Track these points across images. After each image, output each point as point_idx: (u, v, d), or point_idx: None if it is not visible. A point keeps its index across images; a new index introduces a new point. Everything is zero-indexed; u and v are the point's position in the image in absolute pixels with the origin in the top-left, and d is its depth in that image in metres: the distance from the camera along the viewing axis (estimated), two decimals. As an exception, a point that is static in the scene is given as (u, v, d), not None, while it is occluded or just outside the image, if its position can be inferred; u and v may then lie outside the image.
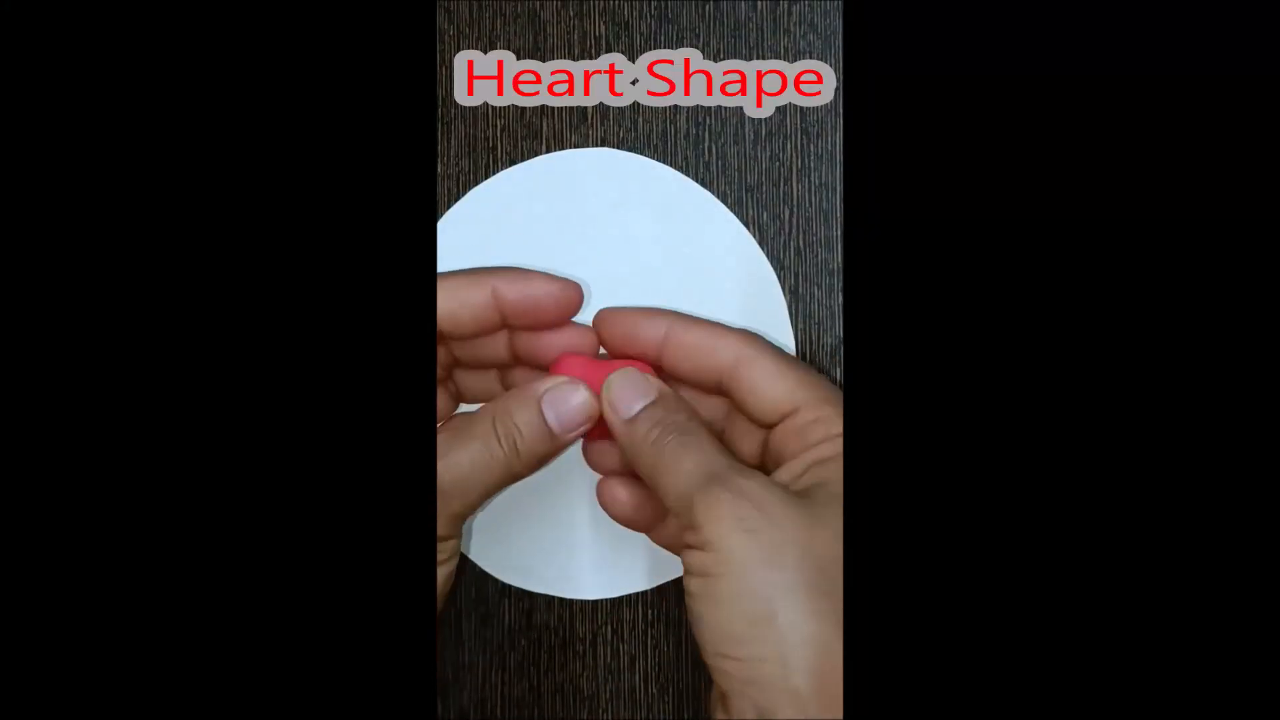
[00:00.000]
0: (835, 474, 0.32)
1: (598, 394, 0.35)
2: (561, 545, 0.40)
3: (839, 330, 0.39)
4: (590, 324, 0.37)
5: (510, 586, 0.40)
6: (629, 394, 0.34)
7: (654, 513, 0.36)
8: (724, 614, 0.29)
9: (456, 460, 0.33)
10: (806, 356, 0.40)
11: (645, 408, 0.34)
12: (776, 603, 0.29)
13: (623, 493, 0.36)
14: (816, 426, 0.33)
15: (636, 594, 0.40)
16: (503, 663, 0.40)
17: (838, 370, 0.39)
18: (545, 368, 0.36)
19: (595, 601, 0.40)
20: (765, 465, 0.35)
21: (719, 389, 0.35)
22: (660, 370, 0.36)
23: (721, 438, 0.36)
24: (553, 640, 0.40)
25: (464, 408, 0.39)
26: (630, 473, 0.36)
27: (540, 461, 0.34)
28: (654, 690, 0.40)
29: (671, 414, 0.34)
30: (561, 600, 0.40)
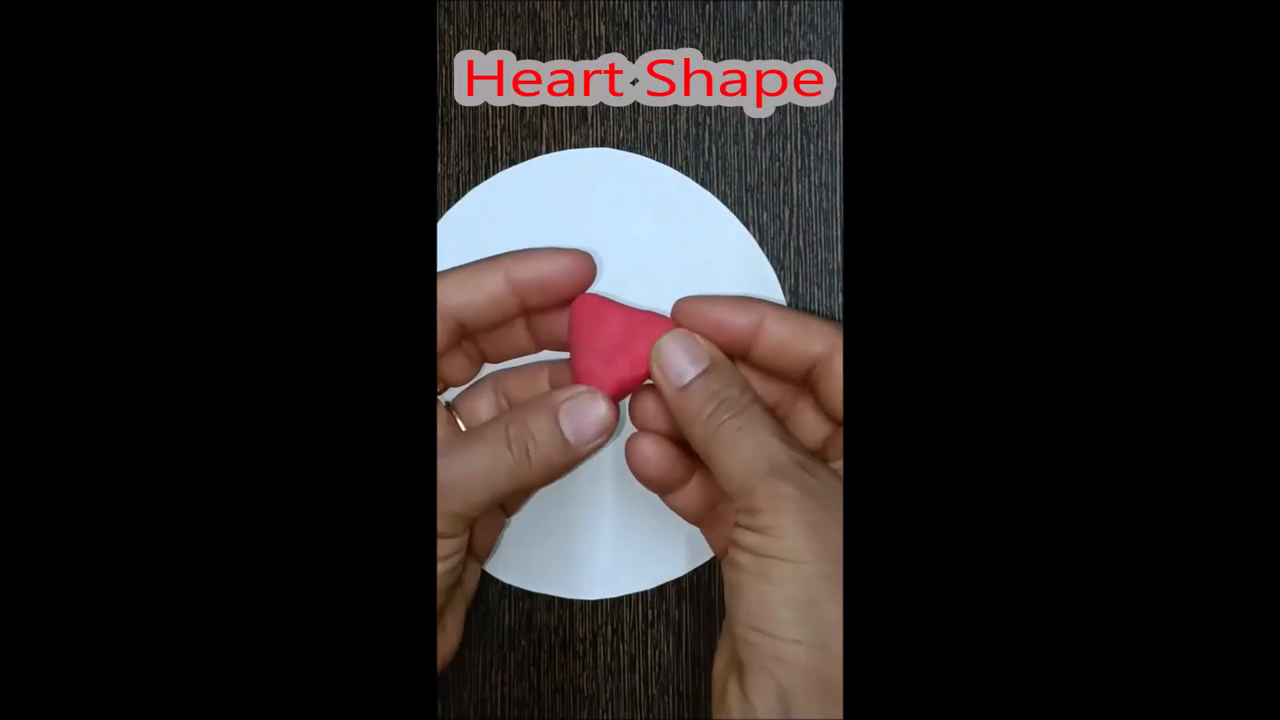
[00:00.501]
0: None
1: (619, 346, 0.34)
2: (562, 545, 0.40)
3: (839, 330, 0.39)
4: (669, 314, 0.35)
5: (510, 586, 0.40)
6: (681, 359, 0.34)
7: (681, 476, 0.36)
8: (770, 592, 0.30)
9: (463, 460, 0.33)
10: (806, 356, 0.40)
11: (699, 377, 0.33)
12: (824, 593, 0.29)
13: (653, 451, 0.36)
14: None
15: (636, 594, 0.40)
16: (503, 663, 0.40)
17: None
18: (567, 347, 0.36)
19: (595, 601, 0.40)
20: (827, 455, 0.35)
21: (805, 380, 0.34)
22: (747, 362, 0.35)
23: (782, 422, 0.36)
24: (553, 640, 0.40)
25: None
26: (662, 434, 0.35)
27: (555, 471, 0.34)
28: (654, 690, 0.40)
29: (727, 386, 0.33)
30: (561, 600, 0.40)
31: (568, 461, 0.34)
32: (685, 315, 0.35)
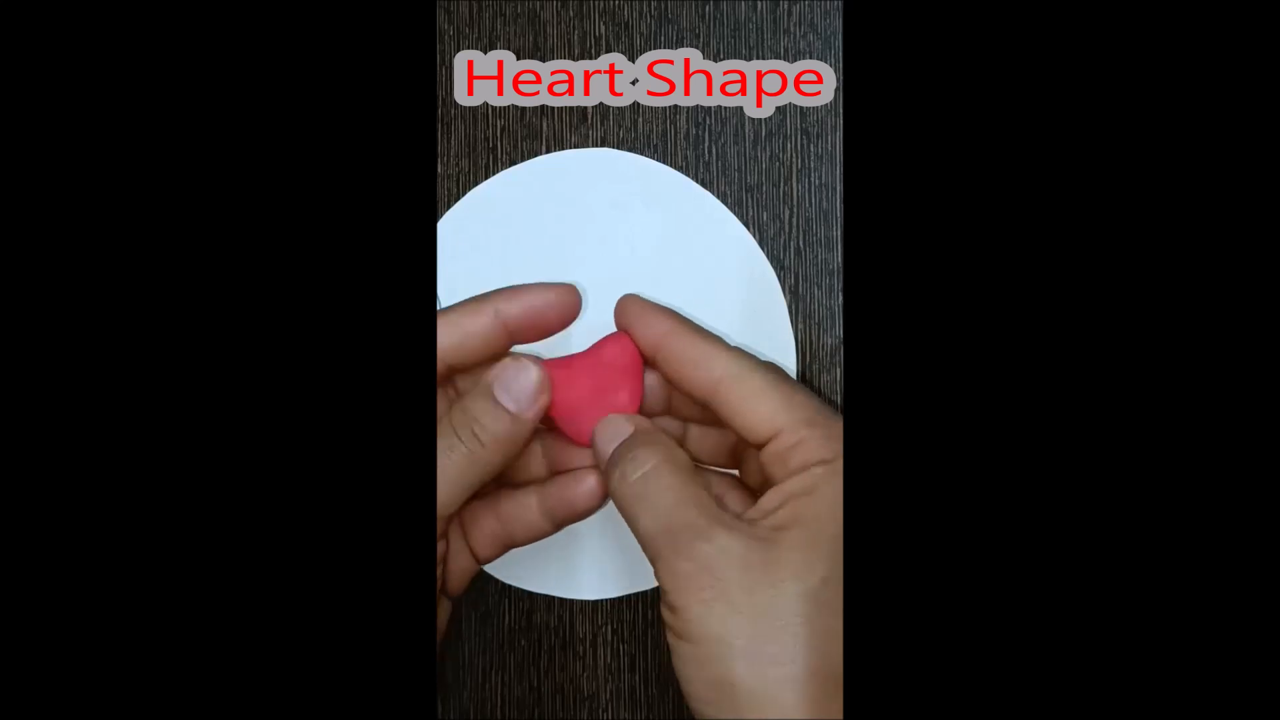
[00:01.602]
0: (811, 510, 0.31)
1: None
2: (562, 545, 0.40)
3: (839, 330, 0.39)
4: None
5: (510, 586, 0.40)
6: (607, 437, 0.34)
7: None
8: (691, 674, 0.30)
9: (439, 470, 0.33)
10: (806, 356, 0.40)
11: (619, 446, 0.34)
12: (735, 669, 0.29)
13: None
14: (797, 451, 0.32)
15: (636, 594, 0.40)
16: (503, 663, 0.40)
17: (837, 370, 0.39)
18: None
19: (595, 601, 0.40)
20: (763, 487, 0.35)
21: (707, 405, 0.34)
22: (658, 371, 0.35)
23: (732, 452, 0.36)
24: (553, 640, 0.40)
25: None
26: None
27: (511, 445, 0.34)
28: (654, 690, 0.40)
29: (635, 448, 0.33)
30: (561, 600, 0.40)
31: (518, 432, 0.34)
32: (617, 312, 0.36)
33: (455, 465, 0.33)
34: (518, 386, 0.34)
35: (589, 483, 0.35)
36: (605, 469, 0.34)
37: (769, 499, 0.32)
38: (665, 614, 0.31)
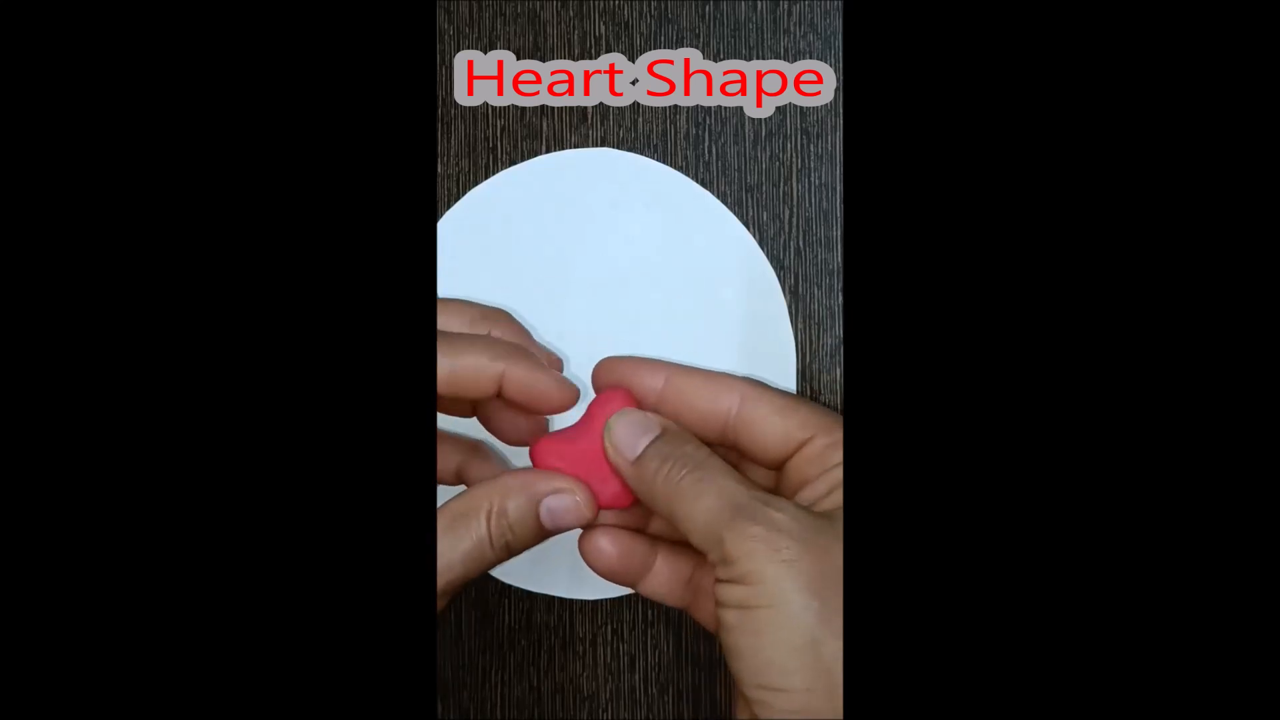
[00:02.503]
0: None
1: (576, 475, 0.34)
2: (562, 545, 0.40)
3: (839, 330, 0.39)
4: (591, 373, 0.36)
5: (510, 586, 0.40)
6: (632, 433, 0.33)
7: (640, 565, 0.35)
8: (767, 644, 0.29)
9: (448, 550, 0.32)
10: (806, 356, 0.40)
11: (651, 444, 0.33)
12: (819, 630, 0.29)
13: (608, 545, 0.35)
14: (833, 451, 0.32)
15: (636, 594, 0.40)
16: (503, 663, 0.40)
17: (838, 370, 0.40)
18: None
19: (595, 601, 0.40)
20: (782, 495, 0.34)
21: (722, 438, 0.34)
22: None
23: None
24: (553, 640, 0.40)
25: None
26: (615, 525, 0.35)
27: (514, 553, 0.34)
28: (654, 690, 0.40)
29: (679, 446, 0.33)
30: (561, 600, 0.40)
31: (531, 544, 0.34)
32: (600, 373, 0.35)
33: (478, 560, 0.33)
34: (563, 515, 0.33)
35: (582, 500, 0.34)
36: (634, 471, 0.33)
37: (815, 488, 0.32)
38: (730, 591, 0.30)
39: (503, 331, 0.36)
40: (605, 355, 0.37)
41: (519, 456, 0.37)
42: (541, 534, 0.33)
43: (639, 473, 0.33)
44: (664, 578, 0.35)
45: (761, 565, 0.29)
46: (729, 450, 0.34)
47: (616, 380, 0.35)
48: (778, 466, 0.34)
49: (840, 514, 0.31)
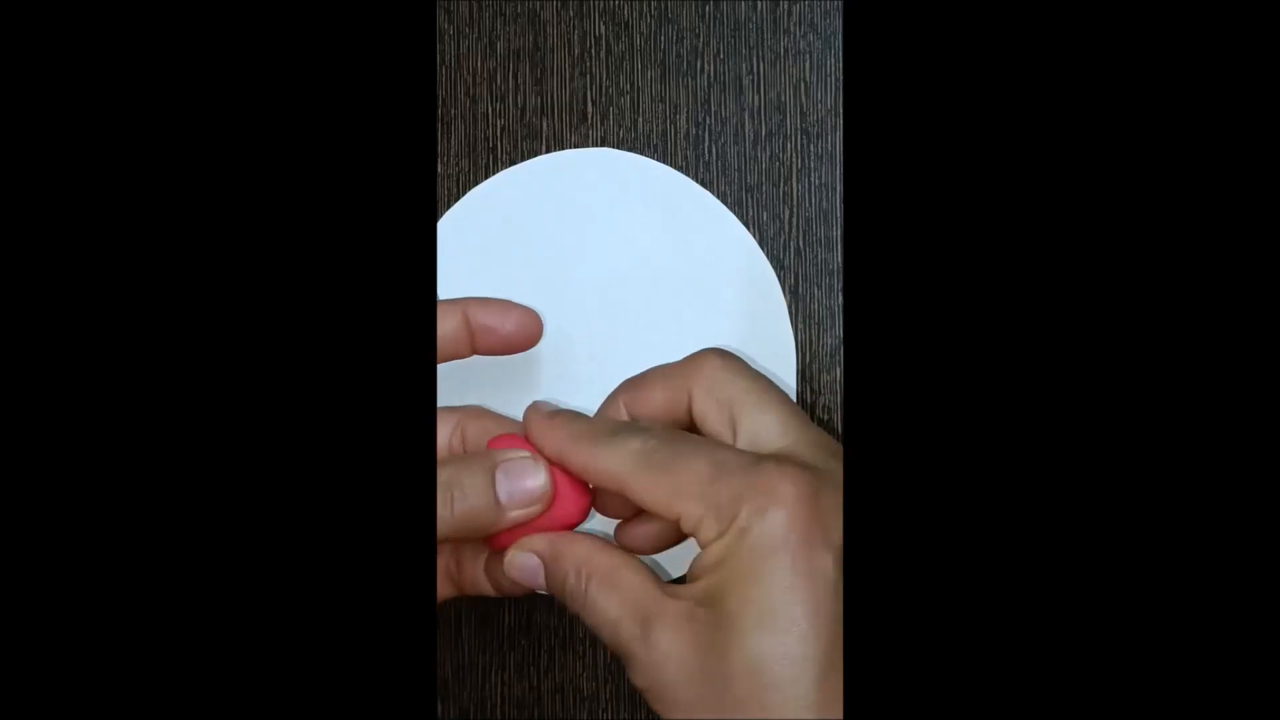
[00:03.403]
0: (726, 581, 0.30)
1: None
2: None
3: (839, 330, 0.39)
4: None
5: (510, 586, 0.40)
6: (528, 569, 0.33)
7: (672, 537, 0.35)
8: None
9: None
10: (806, 356, 0.40)
11: (545, 573, 0.33)
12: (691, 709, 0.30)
13: (641, 529, 0.35)
14: (699, 532, 0.31)
15: (636, 594, 0.40)
16: (503, 663, 0.40)
17: (837, 370, 0.39)
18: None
19: (595, 601, 0.40)
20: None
21: (691, 423, 0.34)
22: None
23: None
24: (553, 640, 0.40)
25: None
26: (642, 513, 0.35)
27: (475, 529, 0.33)
28: (654, 690, 0.40)
29: (563, 562, 0.33)
30: (561, 600, 0.40)
31: (491, 522, 0.33)
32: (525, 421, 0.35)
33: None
34: (520, 485, 0.33)
35: (541, 475, 0.34)
36: (556, 591, 0.33)
37: (699, 563, 0.31)
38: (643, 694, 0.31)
39: (476, 309, 0.36)
40: (606, 355, 0.37)
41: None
42: (494, 504, 0.33)
43: (562, 595, 0.33)
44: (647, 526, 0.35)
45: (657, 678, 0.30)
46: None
47: (530, 434, 0.34)
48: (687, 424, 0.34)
49: (720, 605, 0.30)
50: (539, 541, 0.33)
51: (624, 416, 0.35)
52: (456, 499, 0.32)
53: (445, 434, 0.36)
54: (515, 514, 0.33)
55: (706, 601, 0.30)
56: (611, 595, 0.31)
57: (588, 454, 0.33)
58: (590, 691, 0.40)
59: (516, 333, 0.36)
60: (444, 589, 0.36)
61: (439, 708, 0.40)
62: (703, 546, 0.31)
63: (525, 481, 0.33)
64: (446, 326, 0.36)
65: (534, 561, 0.33)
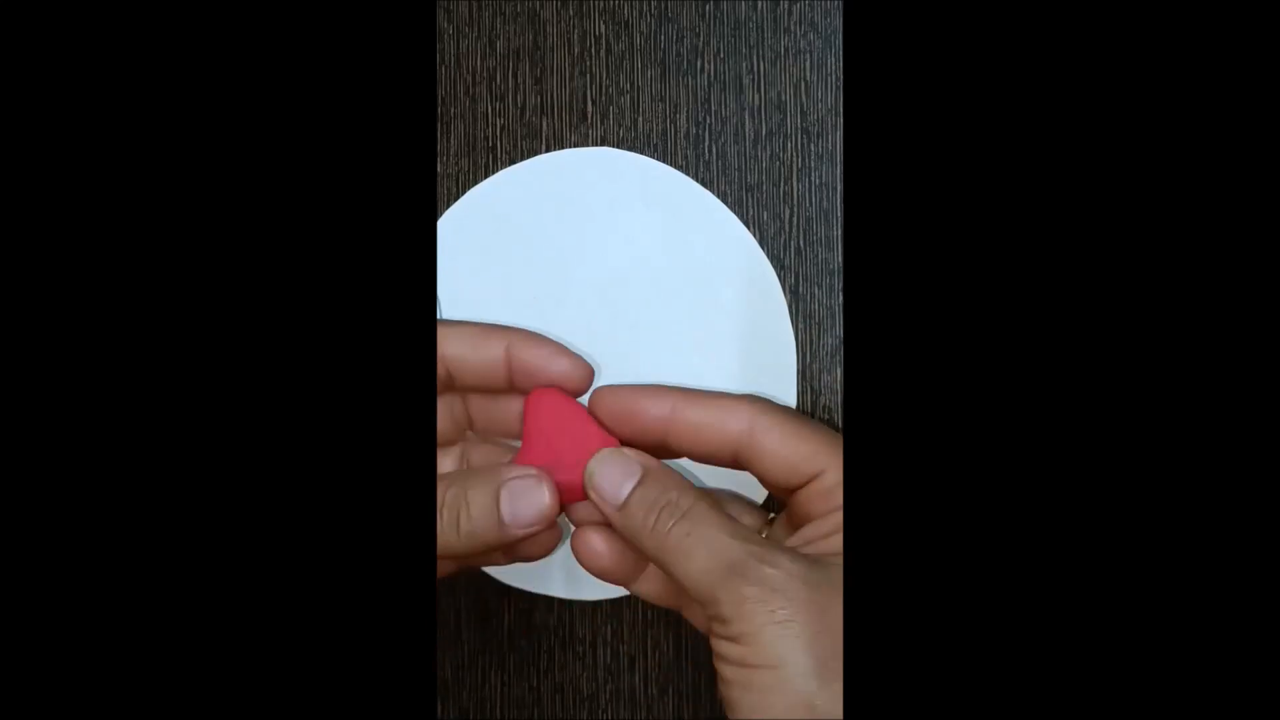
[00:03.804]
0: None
1: (567, 461, 0.33)
2: (562, 546, 0.40)
3: (839, 330, 0.39)
4: (588, 403, 0.35)
5: (510, 586, 0.40)
6: (614, 478, 0.33)
7: (634, 566, 0.35)
8: (762, 703, 0.29)
9: None
10: (806, 356, 0.40)
11: (634, 490, 0.32)
12: (815, 694, 0.29)
13: (600, 544, 0.34)
14: (841, 489, 0.32)
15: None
16: (502, 663, 0.40)
17: (838, 370, 0.39)
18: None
19: (595, 602, 0.40)
20: (791, 522, 0.34)
21: (734, 463, 0.33)
22: (666, 449, 0.34)
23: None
24: (553, 641, 0.40)
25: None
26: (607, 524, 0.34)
27: (481, 548, 0.33)
28: (654, 690, 0.40)
29: (665, 491, 0.32)
30: (561, 600, 0.40)
31: (497, 541, 0.33)
32: (600, 403, 0.34)
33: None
34: (525, 503, 0.32)
35: (540, 537, 0.34)
36: (621, 517, 0.32)
37: (819, 527, 0.32)
38: (727, 648, 0.30)
39: (522, 344, 0.35)
40: (606, 355, 0.37)
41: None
42: (499, 524, 0.32)
43: (625, 520, 0.32)
44: (657, 580, 0.35)
45: (757, 627, 0.29)
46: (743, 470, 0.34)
47: (619, 411, 0.34)
48: (789, 494, 0.33)
49: (840, 559, 0.30)
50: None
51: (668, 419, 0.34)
52: (463, 520, 0.32)
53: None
54: (518, 532, 0.33)
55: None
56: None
57: (704, 412, 0.33)
58: (590, 691, 0.40)
59: (561, 379, 0.35)
60: (446, 565, 0.35)
61: (439, 708, 0.40)
62: (823, 510, 0.32)
63: (530, 502, 0.33)
64: (487, 354, 0.34)
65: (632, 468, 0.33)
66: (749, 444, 0.33)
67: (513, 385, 0.35)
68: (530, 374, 0.34)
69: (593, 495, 0.33)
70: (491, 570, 0.40)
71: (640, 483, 0.32)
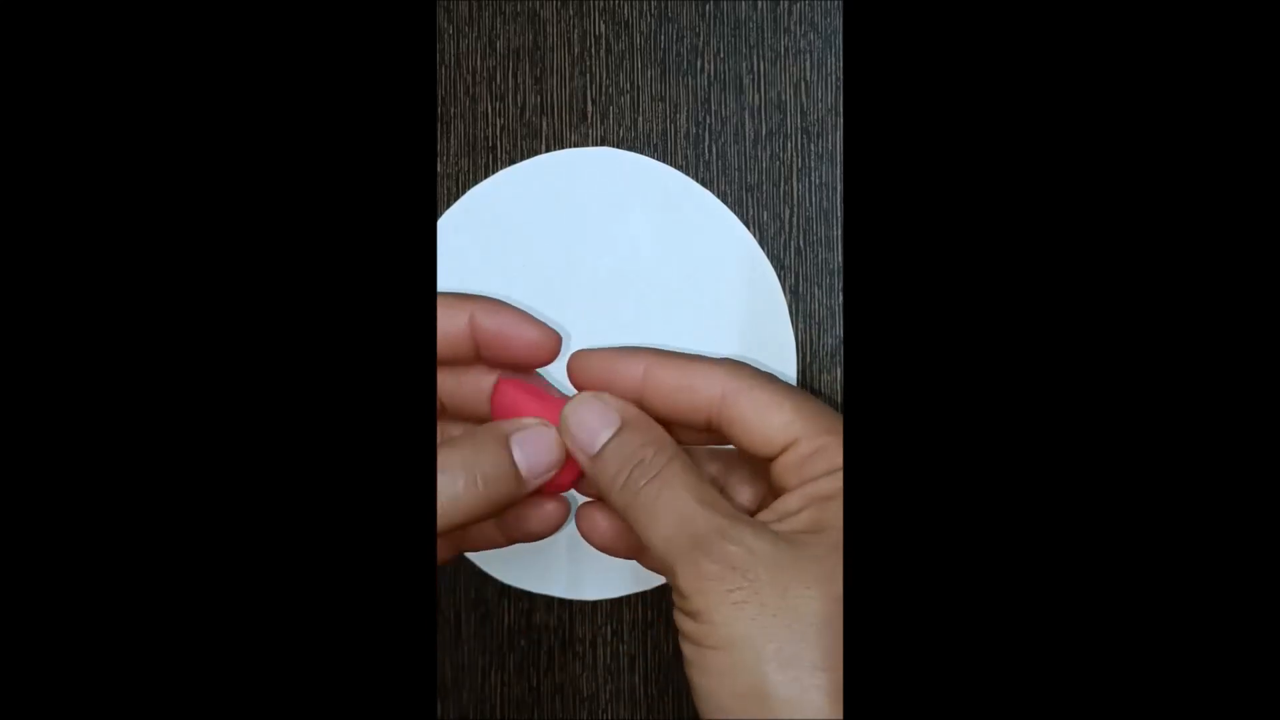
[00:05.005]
0: (835, 514, 0.30)
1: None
2: (562, 545, 0.40)
3: (839, 330, 0.39)
4: (566, 370, 0.34)
5: (510, 586, 0.40)
6: (591, 424, 0.32)
7: (638, 541, 0.34)
8: (715, 685, 0.28)
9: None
10: (806, 356, 0.40)
11: (610, 440, 0.31)
12: (770, 677, 0.28)
13: (603, 521, 0.34)
14: (817, 459, 0.30)
15: (636, 594, 0.40)
16: (502, 663, 0.40)
17: (838, 370, 0.39)
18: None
19: (595, 601, 0.40)
20: (766, 497, 0.33)
21: (708, 427, 0.32)
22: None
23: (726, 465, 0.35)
24: (552, 641, 0.40)
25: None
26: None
27: (502, 504, 0.32)
28: (654, 690, 0.40)
29: (640, 447, 0.31)
30: (561, 600, 0.40)
31: (516, 493, 0.32)
32: (576, 368, 0.33)
33: (455, 507, 0.31)
34: (536, 451, 0.32)
35: (548, 510, 0.34)
36: (594, 466, 0.32)
37: (788, 501, 0.31)
38: (685, 623, 0.29)
39: (486, 312, 0.34)
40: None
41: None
42: (517, 476, 0.32)
43: (596, 471, 0.32)
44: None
45: (712, 605, 0.28)
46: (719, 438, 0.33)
47: (594, 375, 0.33)
48: (766, 463, 0.32)
49: (815, 542, 0.29)
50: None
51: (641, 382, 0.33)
52: (481, 479, 0.31)
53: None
54: (536, 481, 0.32)
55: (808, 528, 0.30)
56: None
57: (679, 375, 0.32)
58: (590, 692, 0.40)
59: (530, 346, 0.33)
60: (447, 546, 0.35)
61: (439, 708, 0.40)
62: (796, 482, 0.31)
63: (540, 445, 0.32)
64: (450, 324, 0.33)
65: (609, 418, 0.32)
66: (721, 409, 0.31)
67: (479, 357, 0.34)
68: (498, 343, 0.33)
69: (568, 440, 0.32)
70: (492, 570, 0.40)
71: (617, 433, 0.32)
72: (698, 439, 0.34)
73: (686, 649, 0.29)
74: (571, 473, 0.33)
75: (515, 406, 0.33)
